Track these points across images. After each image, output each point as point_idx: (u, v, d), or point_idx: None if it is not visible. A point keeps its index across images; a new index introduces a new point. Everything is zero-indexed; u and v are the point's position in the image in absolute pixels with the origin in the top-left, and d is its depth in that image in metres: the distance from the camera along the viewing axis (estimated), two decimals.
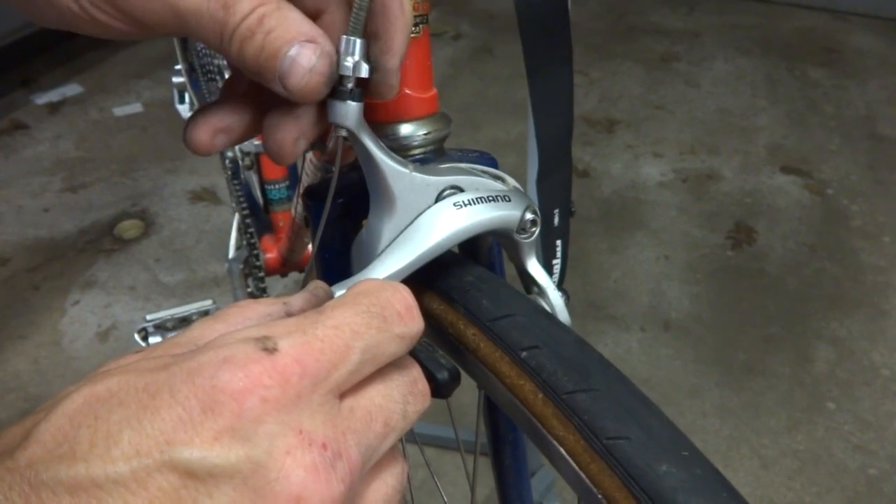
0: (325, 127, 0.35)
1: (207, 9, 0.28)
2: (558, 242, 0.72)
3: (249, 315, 0.27)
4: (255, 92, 0.35)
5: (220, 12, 0.28)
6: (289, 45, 0.29)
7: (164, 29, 0.29)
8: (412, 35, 0.40)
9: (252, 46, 0.29)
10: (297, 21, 0.29)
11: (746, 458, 1.39)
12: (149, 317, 1.06)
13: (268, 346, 0.23)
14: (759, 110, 2.57)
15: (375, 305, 0.26)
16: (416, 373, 0.28)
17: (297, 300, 0.29)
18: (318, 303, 0.29)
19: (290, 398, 0.22)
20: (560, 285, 0.63)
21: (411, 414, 0.27)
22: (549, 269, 0.58)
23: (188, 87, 1.42)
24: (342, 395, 0.25)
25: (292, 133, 0.33)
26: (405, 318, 0.27)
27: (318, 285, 0.31)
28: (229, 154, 1.19)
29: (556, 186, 0.69)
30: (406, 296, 0.27)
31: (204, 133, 0.33)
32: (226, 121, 0.34)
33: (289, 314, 0.28)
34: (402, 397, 0.27)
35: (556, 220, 0.71)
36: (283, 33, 0.29)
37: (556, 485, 1.28)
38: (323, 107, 0.34)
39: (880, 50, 2.95)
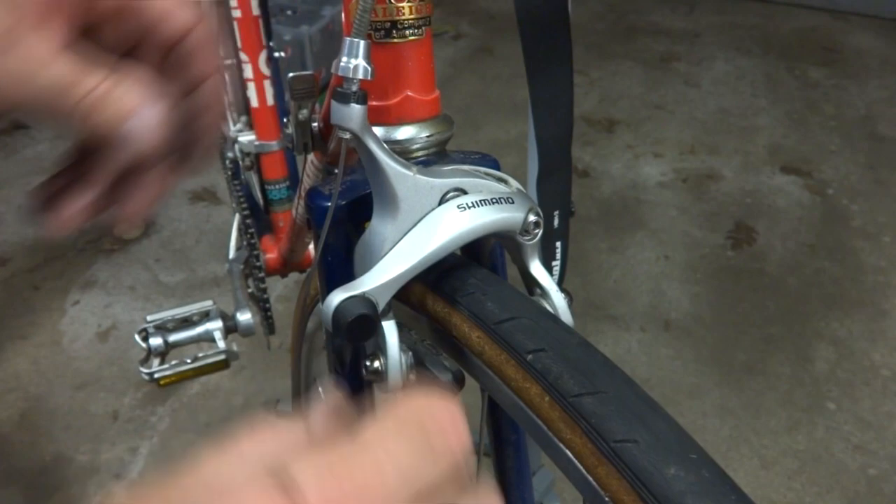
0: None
1: (53, 87, 0.29)
2: (558, 244, 0.72)
3: (267, 443, 0.22)
4: (100, 164, 0.36)
5: (67, 90, 0.30)
6: (129, 114, 0.30)
7: (10, 113, 0.30)
8: (415, 37, 0.40)
9: (96, 118, 0.30)
10: (137, 91, 0.31)
11: (746, 458, 1.39)
12: (149, 317, 1.06)
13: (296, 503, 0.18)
14: (759, 110, 2.57)
15: (422, 433, 0.21)
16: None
17: (319, 417, 0.24)
18: (342, 419, 0.25)
19: None
20: (559, 287, 0.63)
21: None
22: (548, 271, 0.58)
23: None
24: None
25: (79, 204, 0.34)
26: (453, 441, 0.22)
27: (334, 397, 0.26)
28: (229, 154, 1.19)
29: (556, 187, 0.69)
30: (454, 413, 0.22)
31: (66, 217, 0.35)
32: (82, 201, 0.35)
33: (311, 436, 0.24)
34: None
35: (556, 222, 0.71)
36: (124, 104, 0.30)
37: (556, 485, 1.28)
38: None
39: (880, 50, 2.95)
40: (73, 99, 0.29)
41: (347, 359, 0.45)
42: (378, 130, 0.40)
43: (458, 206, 0.36)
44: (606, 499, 0.26)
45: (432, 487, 0.20)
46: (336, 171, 0.37)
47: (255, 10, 1.01)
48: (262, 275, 1.11)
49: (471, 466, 0.23)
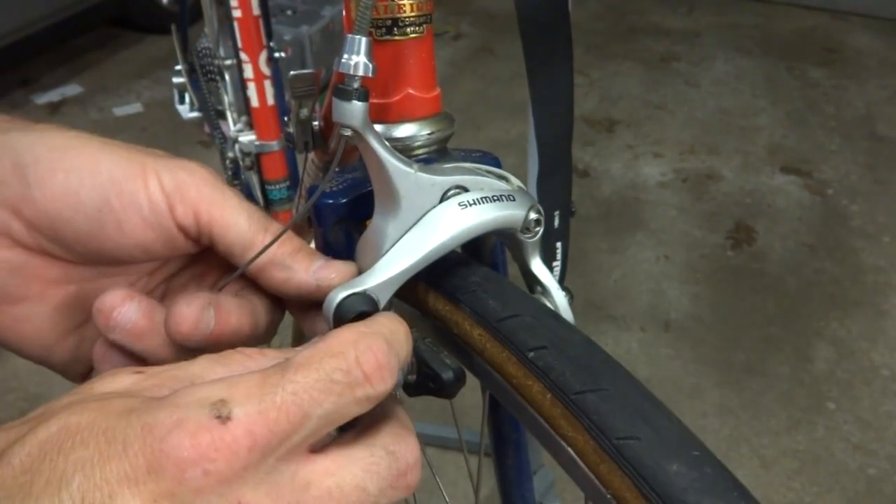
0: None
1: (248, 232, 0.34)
2: (558, 245, 0.72)
3: (251, 366, 0.27)
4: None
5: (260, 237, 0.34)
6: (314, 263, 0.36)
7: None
8: (416, 35, 0.40)
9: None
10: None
11: (746, 458, 1.39)
12: None
13: (222, 414, 0.22)
14: (758, 110, 2.57)
15: (341, 370, 0.25)
16: (409, 459, 0.27)
17: (301, 357, 0.27)
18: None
19: (235, 471, 0.22)
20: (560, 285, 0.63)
21: None
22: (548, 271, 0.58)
23: (188, 87, 1.41)
24: (300, 455, 0.24)
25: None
26: (373, 379, 0.25)
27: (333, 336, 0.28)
28: (230, 154, 1.19)
29: (556, 188, 0.69)
30: (378, 355, 0.26)
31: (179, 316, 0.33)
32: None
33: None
34: (378, 490, 0.25)
35: (557, 223, 0.71)
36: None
37: (556, 484, 1.28)
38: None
39: (880, 50, 2.95)
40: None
41: None
42: (379, 128, 0.40)
43: (459, 204, 0.36)
44: (608, 496, 0.26)
45: (340, 410, 0.25)
46: (336, 169, 0.37)
47: (256, 10, 1.01)
48: None
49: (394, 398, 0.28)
